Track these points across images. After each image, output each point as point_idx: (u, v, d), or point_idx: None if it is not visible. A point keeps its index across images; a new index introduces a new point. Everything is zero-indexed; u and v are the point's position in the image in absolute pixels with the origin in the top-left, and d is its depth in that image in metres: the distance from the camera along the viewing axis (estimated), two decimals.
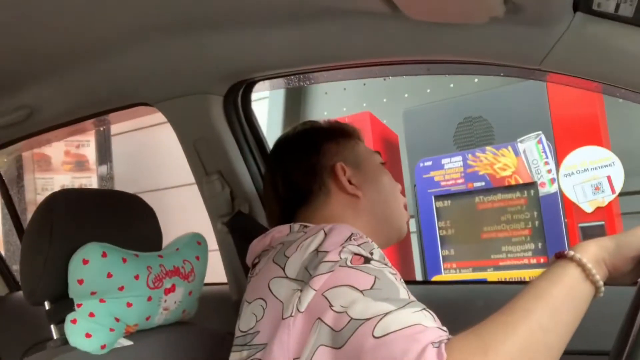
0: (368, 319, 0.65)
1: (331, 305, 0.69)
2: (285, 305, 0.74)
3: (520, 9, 0.87)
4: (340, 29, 1.07)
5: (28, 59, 1.23)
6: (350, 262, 0.73)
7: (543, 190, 2.92)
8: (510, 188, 3.02)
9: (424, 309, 0.67)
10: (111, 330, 0.97)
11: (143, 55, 1.20)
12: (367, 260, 0.74)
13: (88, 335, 0.94)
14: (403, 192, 1.11)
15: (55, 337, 0.99)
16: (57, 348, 0.95)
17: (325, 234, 0.79)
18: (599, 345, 0.91)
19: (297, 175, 1.01)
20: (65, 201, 1.02)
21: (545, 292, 0.67)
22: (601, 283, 0.70)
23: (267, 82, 1.38)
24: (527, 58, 0.98)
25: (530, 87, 2.99)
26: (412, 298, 0.70)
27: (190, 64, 1.24)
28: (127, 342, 1.01)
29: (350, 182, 0.99)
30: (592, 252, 0.71)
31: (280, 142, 1.11)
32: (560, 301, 0.66)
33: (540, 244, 2.95)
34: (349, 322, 0.66)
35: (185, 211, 3.50)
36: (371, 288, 0.69)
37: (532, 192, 2.97)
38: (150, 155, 4.82)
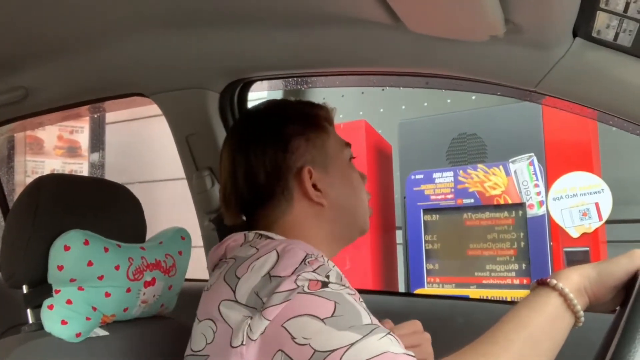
0: (333, 351, 0.62)
1: (293, 337, 0.66)
2: (235, 332, 0.71)
3: (521, 30, 0.87)
4: (340, 36, 1.07)
5: (26, 41, 1.22)
6: (308, 287, 0.70)
7: (531, 212, 2.94)
8: (498, 207, 3.04)
9: (388, 333, 0.66)
10: (88, 319, 0.96)
11: (142, 46, 1.20)
12: (325, 284, 0.71)
13: (64, 322, 0.93)
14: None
15: (30, 321, 0.97)
16: (32, 333, 0.94)
17: (278, 256, 0.75)
18: None
19: (261, 175, 0.93)
20: (52, 186, 1.01)
21: (528, 321, 0.67)
22: (582, 313, 0.70)
23: (264, 82, 1.38)
24: (524, 79, 0.99)
25: (526, 108, 3.02)
26: (375, 321, 0.69)
27: (189, 58, 1.24)
28: (103, 332, 1.00)
29: (315, 187, 0.94)
30: (574, 281, 0.71)
31: (245, 124, 1.02)
32: (542, 331, 0.66)
33: (524, 265, 2.97)
34: (313, 354, 0.64)
35: (173, 205, 3.49)
36: (332, 315, 0.67)
37: (520, 212, 2.99)
38: (143, 147, 4.80)
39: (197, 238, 1.33)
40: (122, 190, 1.15)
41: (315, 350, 0.64)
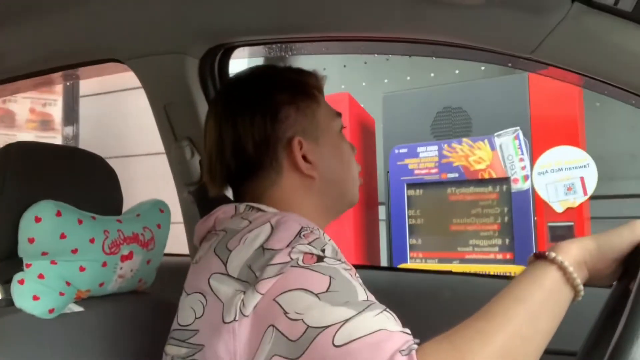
0: (327, 327, 0.60)
1: (285, 312, 0.63)
2: (226, 307, 0.68)
3: None
4: None
5: None
6: (302, 261, 0.67)
7: (516, 187, 2.93)
8: (483, 182, 3.03)
9: (385, 309, 0.63)
10: (61, 294, 0.91)
11: (118, 7, 1.13)
12: (320, 259, 0.69)
13: (36, 298, 0.88)
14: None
15: (0, 297, 0.93)
16: (2, 309, 0.89)
17: (272, 228, 0.73)
18: (567, 345, 0.89)
19: (249, 145, 0.89)
20: (21, 154, 0.95)
21: (525, 296, 0.64)
22: (582, 287, 0.67)
23: (246, 49, 1.32)
24: (519, 45, 0.95)
25: (512, 82, 3.00)
26: (371, 298, 0.66)
27: (167, 20, 1.17)
28: (78, 308, 0.95)
29: (305, 159, 0.90)
30: (573, 254, 0.68)
31: (232, 92, 0.97)
32: (540, 306, 0.63)
33: (507, 240, 2.97)
34: (305, 330, 0.61)
35: (151, 181, 3.42)
36: (327, 290, 0.64)
37: (504, 187, 2.98)
38: (119, 120, 4.70)
39: (176, 214, 1.28)
40: (97, 160, 1.10)
41: (308, 326, 0.61)
